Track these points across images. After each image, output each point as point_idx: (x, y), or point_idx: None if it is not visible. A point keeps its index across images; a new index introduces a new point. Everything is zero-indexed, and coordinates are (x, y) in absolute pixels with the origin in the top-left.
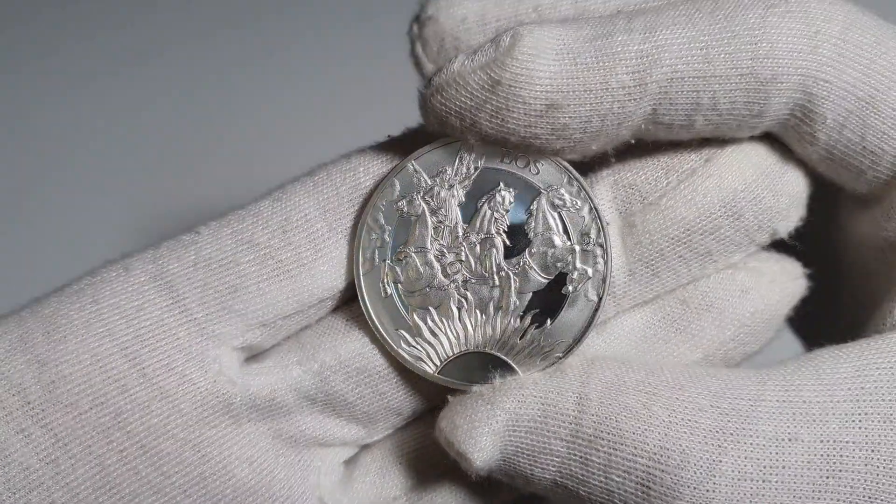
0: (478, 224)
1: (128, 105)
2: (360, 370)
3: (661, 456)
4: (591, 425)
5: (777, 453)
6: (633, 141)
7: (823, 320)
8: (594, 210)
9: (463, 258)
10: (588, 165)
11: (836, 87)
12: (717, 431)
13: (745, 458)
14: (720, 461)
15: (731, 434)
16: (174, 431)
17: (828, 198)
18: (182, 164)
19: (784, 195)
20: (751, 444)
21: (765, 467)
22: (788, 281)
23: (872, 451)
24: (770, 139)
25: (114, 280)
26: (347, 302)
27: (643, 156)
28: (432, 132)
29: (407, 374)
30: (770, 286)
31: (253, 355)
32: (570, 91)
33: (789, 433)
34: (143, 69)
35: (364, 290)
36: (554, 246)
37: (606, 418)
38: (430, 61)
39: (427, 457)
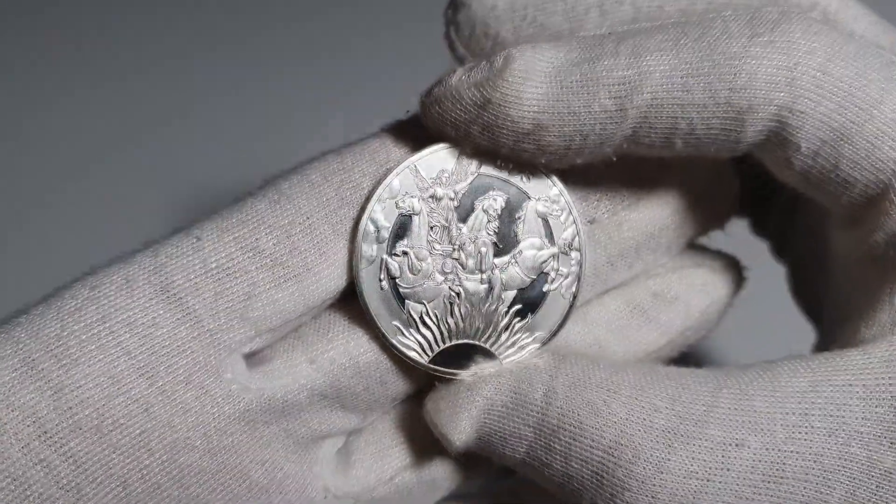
0: (472, 225)
1: (127, 100)
2: (368, 364)
3: (615, 450)
4: (555, 417)
5: (723, 456)
6: (614, 158)
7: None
8: (573, 217)
9: (457, 256)
10: (576, 176)
11: (811, 117)
12: (669, 432)
13: (693, 458)
14: (669, 459)
15: (682, 436)
16: (194, 444)
17: (818, 211)
18: (179, 156)
19: (723, 198)
20: (699, 446)
21: (710, 468)
22: (734, 276)
23: (814, 462)
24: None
25: (116, 295)
26: (346, 297)
27: (622, 169)
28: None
29: (405, 363)
30: (721, 282)
31: (254, 355)
32: (556, 112)
33: (737, 439)
34: (144, 67)
35: (363, 284)
36: (538, 248)
37: (569, 412)
38: (462, 46)
39: (419, 434)
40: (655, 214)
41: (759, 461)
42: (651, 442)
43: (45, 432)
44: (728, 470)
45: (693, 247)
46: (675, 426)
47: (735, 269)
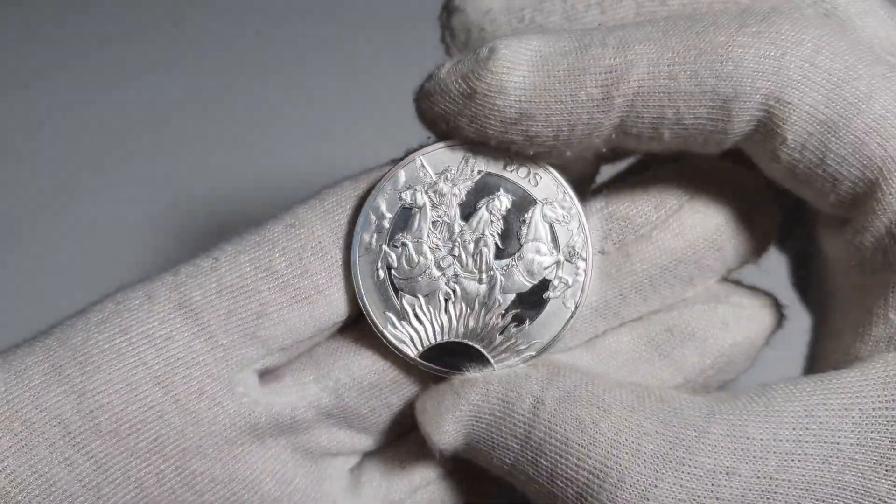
0: (474, 224)
1: (139, 108)
2: (372, 385)
3: (601, 472)
4: (542, 430)
5: (713, 485)
6: (604, 150)
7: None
8: (582, 226)
9: (456, 253)
10: (584, 192)
11: (798, 109)
12: (658, 458)
13: (681, 486)
14: (655, 486)
15: (671, 462)
16: (207, 452)
17: (808, 215)
18: (189, 165)
19: (759, 229)
20: (688, 473)
21: (698, 497)
22: (766, 316)
23: (806, 490)
24: (748, 174)
25: (138, 309)
26: (356, 320)
27: (635, 190)
28: (451, 48)
29: (411, 387)
30: (749, 320)
31: (267, 372)
32: (541, 101)
33: (728, 467)
34: (153, 73)
35: (359, 272)
36: (541, 254)
37: (556, 426)
38: (458, 50)
39: (427, 459)
40: (670, 247)
41: (750, 490)
42: (638, 466)
43: (70, 433)
44: (717, 499)
45: (724, 280)
46: (665, 451)
47: (770, 308)
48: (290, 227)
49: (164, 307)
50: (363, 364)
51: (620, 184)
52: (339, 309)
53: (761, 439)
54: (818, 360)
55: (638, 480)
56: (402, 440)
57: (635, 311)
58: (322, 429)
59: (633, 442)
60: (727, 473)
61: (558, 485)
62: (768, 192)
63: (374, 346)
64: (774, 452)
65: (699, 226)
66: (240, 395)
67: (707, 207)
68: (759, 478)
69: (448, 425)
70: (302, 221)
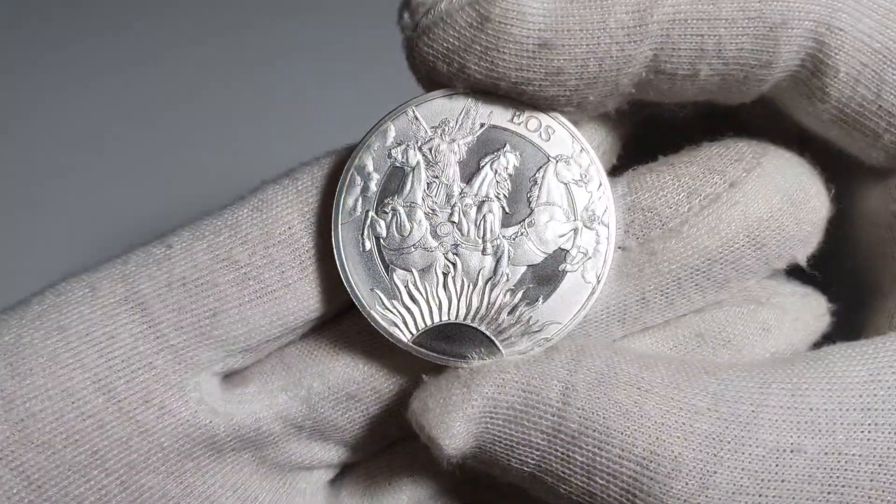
0: (477, 185)
1: (118, 105)
2: (349, 396)
3: (651, 462)
4: (575, 420)
5: (777, 465)
6: (633, 90)
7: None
8: (604, 187)
9: (456, 220)
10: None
11: (851, 36)
12: (714, 438)
13: (742, 469)
14: (715, 472)
15: (730, 442)
16: (156, 465)
17: (839, 171)
18: (169, 160)
19: (807, 223)
20: (749, 454)
21: (762, 480)
22: (812, 319)
23: (880, 465)
24: (794, 158)
25: (80, 302)
26: (336, 317)
27: (662, 175)
28: (421, 83)
29: (398, 397)
30: (793, 325)
31: (234, 374)
32: (565, 30)
33: (792, 443)
34: (137, 68)
35: (340, 242)
36: (556, 219)
37: (593, 413)
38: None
39: (416, 476)
40: (702, 245)
41: (818, 468)
42: (693, 451)
43: None
44: (783, 481)
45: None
46: (721, 431)
47: (818, 312)
48: (256, 211)
49: (108, 301)
50: (340, 371)
51: (644, 167)
52: (310, 305)
53: (826, 409)
54: (860, 327)
55: (695, 467)
56: (389, 451)
57: (659, 316)
58: (292, 441)
59: (684, 423)
60: (792, 451)
61: (597, 482)
62: (817, 175)
63: (353, 349)
64: (841, 424)
65: (738, 220)
66: (195, 402)
67: (748, 197)
68: (826, 454)
69: (458, 425)
70: (270, 204)
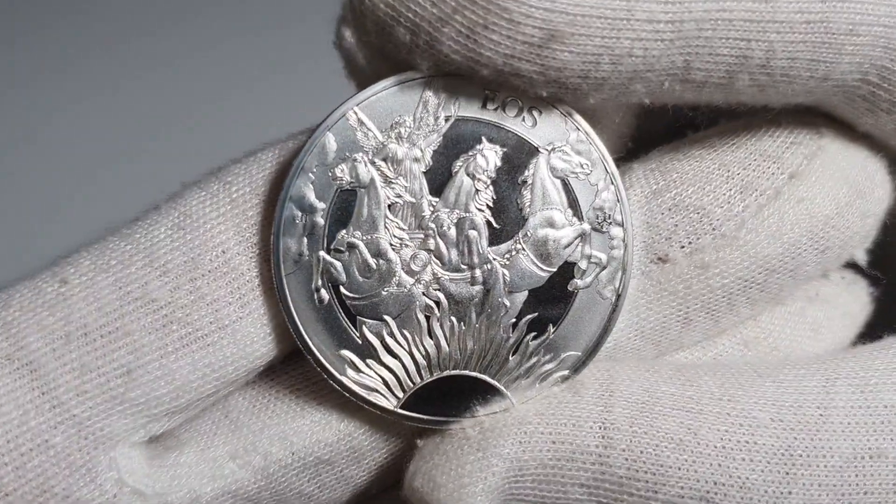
0: (452, 197)
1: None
2: (320, 461)
3: (716, 494)
4: (621, 464)
5: (857, 476)
6: (646, 101)
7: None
8: (611, 174)
9: (432, 246)
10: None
11: None
12: (784, 454)
13: (819, 485)
14: (790, 493)
15: (801, 456)
16: None
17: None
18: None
19: (871, 216)
20: (825, 466)
21: (843, 495)
22: (858, 310)
23: None
24: (854, 138)
25: None
26: (292, 354)
27: (704, 162)
28: (359, 61)
29: (386, 455)
30: (842, 320)
31: (160, 437)
32: (580, 15)
33: (871, 448)
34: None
35: (289, 298)
36: (556, 226)
37: (642, 453)
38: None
39: None
40: (763, 253)
41: None
42: (762, 473)
43: None
44: (865, 494)
45: None
46: (789, 444)
47: (863, 300)
48: (178, 229)
49: None
50: (308, 432)
51: (669, 150)
52: (256, 351)
53: None
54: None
55: (766, 491)
56: None
57: (700, 335)
58: None
59: (747, 441)
60: (871, 457)
61: None
62: (880, 157)
63: (322, 402)
64: None
65: (804, 221)
66: (112, 485)
67: (813, 191)
68: None
69: (479, 500)
70: (196, 219)
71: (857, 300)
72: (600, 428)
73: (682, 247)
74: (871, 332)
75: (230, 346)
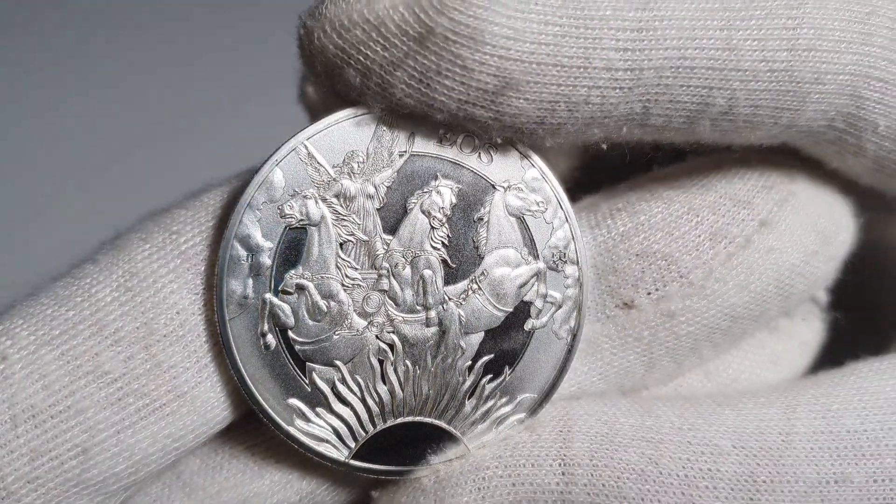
0: (407, 235)
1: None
2: None
3: None
4: (583, 499)
5: (822, 501)
6: (603, 145)
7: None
8: (565, 212)
9: (385, 286)
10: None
11: (892, 85)
12: (747, 481)
13: None
14: None
15: (764, 482)
16: None
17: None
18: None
19: (835, 259)
20: (789, 491)
21: None
22: (812, 338)
23: None
24: (824, 181)
25: None
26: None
27: (672, 205)
28: (311, 98)
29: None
30: (801, 350)
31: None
32: (536, 63)
33: (835, 473)
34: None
35: (232, 343)
36: (512, 264)
37: (604, 486)
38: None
39: None
40: (730, 302)
41: (869, 498)
42: (725, 501)
43: None
44: None
45: None
46: (752, 470)
47: (819, 327)
48: (126, 291)
49: None
50: (268, 492)
51: (629, 188)
52: (215, 416)
53: (867, 431)
54: (879, 349)
55: None
56: None
57: (664, 378)
58: None
59: (709, 470)
60: (836, 482)
61: None
62: (847, 201)
63: (280, 460)
64: (887, 446)
65: (772, 270)
66: None
67: (783, 240)
68: (875, 481)
69: None
70: (145, 278)
71: (811, 329)
72: (560, 465)
73: (649, 293)
74: (832, 359)
75: (189, 414)
